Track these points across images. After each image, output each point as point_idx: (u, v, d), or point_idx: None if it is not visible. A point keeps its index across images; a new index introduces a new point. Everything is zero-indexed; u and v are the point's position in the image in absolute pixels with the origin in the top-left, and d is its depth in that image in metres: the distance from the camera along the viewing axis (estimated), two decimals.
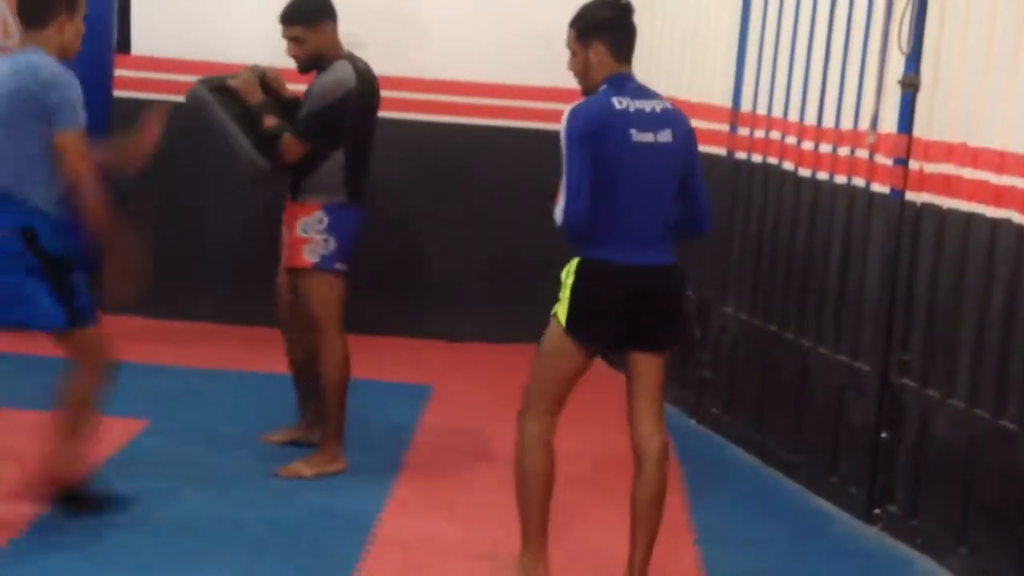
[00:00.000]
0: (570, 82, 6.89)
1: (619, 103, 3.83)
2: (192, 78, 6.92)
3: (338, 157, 4.86)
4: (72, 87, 4.08)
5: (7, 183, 4.09)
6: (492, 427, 5.74)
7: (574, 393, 6.50)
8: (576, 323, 3.89)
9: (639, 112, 3.82)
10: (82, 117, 4.09)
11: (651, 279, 3.86)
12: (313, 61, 4.90)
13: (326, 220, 4.86)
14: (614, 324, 3.88)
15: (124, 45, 6.81)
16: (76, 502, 4.29)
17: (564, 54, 7.44)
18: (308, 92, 4.88)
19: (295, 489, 4.78)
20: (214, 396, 5.89)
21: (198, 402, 5.78)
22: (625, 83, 3.89)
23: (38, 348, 4.56)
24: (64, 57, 4.17)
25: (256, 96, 4.92)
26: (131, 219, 4.29)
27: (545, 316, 7.09)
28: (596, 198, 3.78)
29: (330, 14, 4.92)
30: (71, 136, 4.06)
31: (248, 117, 4.90)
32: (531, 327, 7.11)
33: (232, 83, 4.95)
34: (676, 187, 3.89)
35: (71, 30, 4.17)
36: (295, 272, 4.93)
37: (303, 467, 4.87)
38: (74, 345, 4.23)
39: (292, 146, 4.81)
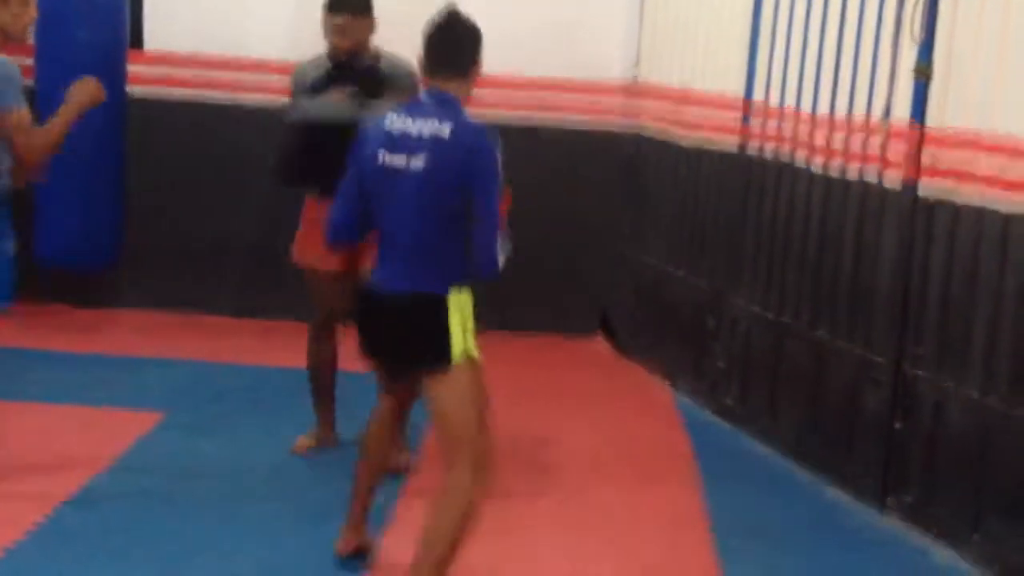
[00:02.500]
0: (579, 75, 7.00)
1: (393, 121, 3.70)
2: (207, 73, 7.02)
3: None
4: (7, 67, 4.04)
5: None
6: (503, 419, 5.71)
7: (589, 382, 6.54)
8: (360, 342, 3.85)
9: (404, 134, 3.65)
10: (20, 96, 4.05)
11: (390, 304, 3.71)
12: (351, 53, 4.86)
13: None
14: (371, 342, 3.80)
15: (137, 40, 6.82)
16: None
17: (570, 47, 7.46)
18: (391, 81, 4.79)
19: (312, 481, 4.80)
20: (231, 389, 5.91)
21: (215, 395, 5.81)
22: (422, 99, 3.74)
23: None
24: (12, 42, 4.14)
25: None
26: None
27: (558, 307, 7.16)
28: (376, 223, 3.75)
29: (372, 8, 4.91)
30: (14, 116, 4.03)
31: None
32: (544, 318, 7.19)
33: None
34: (440, 216, 3.64)
35: (9, 15, 4.11)
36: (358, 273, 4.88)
37: None
38: None
39: None
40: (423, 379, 3.73)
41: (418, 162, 3.63)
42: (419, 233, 3.67)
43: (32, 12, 4.20)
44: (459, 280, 3.70)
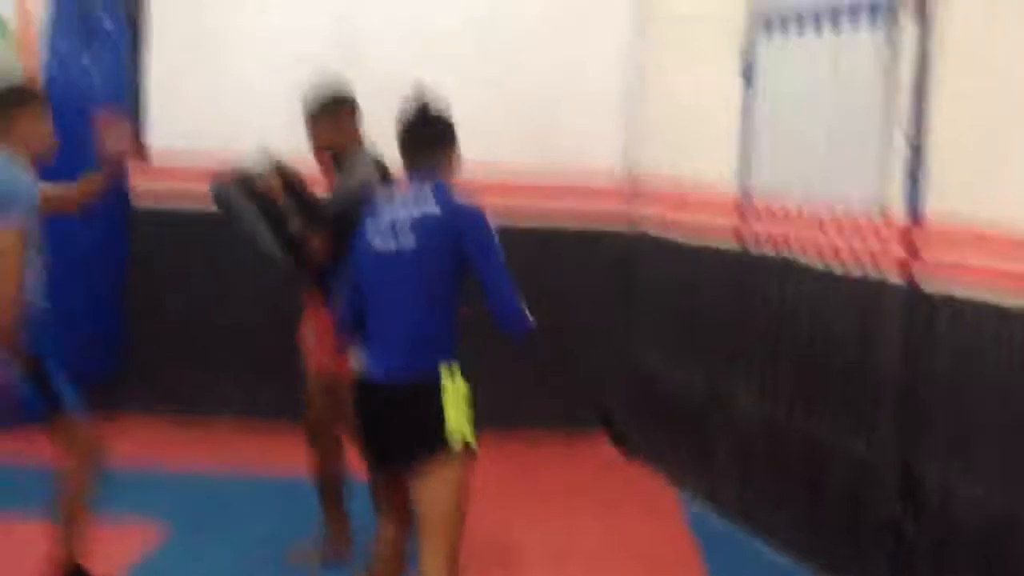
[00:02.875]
0: (573, 180, 7.05)
1: (380, 211, 3.77)
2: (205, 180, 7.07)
3: None
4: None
5: None
6: (502, 517, 5.72)
7: (590, 481, 6.51)
8: (361, 440, 3.83)
9: (394, 220, 3.71)
10: (10, 211, 4.04)
11: (383, 393, 3.70)
12: (333, 153, 4.97)
13: None
14: (368, 437, 3.77)
15: (143, 154, 6.89)
16: None
17: (561, 151, 7.44)
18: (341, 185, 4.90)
19: None
20: (237, 498, 5.88)
21: (221, 505, 5.77)
22: (409, 186, 3.79)
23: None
24: (35, 156, 4.21)
25: (280, 197, 4.90)
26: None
27: (552, 406, 7.16)
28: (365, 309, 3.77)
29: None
30: None
31: (274, 215, 4.88)
32: (544, 416, 7.18)
33: (259, 185, 4.90)
34: (434, 293, 3.68)
35: (24, 129, 4.20)
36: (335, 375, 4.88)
37: None
38: (58, 435, 4.20)
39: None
40: (417, 467, 3.65)
41: (409, 242, 3.66)
42: (412, 316, 3.66)
43: (47, 128, 4.28)
44: (452, 358, 3.69)
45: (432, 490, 3.64)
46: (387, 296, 3.70)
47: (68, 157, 6.31)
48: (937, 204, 4.64)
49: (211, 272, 7.06)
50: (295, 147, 6.83)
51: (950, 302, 4.59)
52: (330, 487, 5.06)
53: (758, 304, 5.76)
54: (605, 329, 7.12)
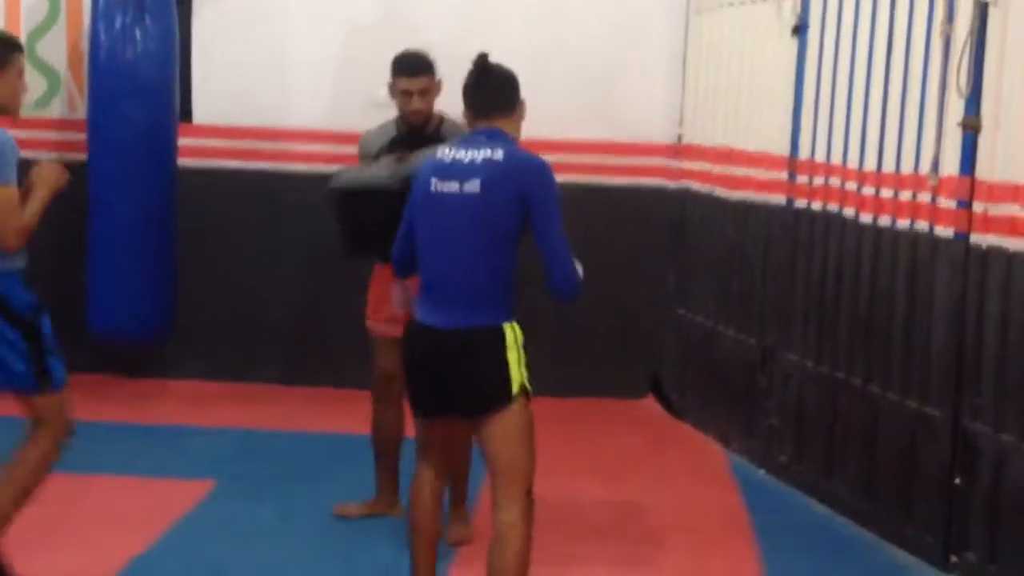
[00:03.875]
0: (624, 136, 7.01)
1: (443, 153, 3.74)
2: (254, 144, 7.10)
3: None
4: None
5: None
6: (557, 483, 5.70)
7: (641, 444, 6.48)
8: (410, 389, 3.79)
9: (455, 162, 3.66)
10: (8, 173, 3.95)
11: (443, 342, 3.64)
12: (428, 116, 4.81)
13: None
14: (422, 387, 3.72)
15: (186, 114, 6.93)
16: None
17: (614, 109, 7.48)
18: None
19: (362, 546, 4.77)
20: (281, 456, 5.91)
21: (265, 463, 5.81)
22: (473, 136, 3.77)
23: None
24: (5, 114, 4.10)
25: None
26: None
27: (608, 369, 7.12)
28: (419, 252, 3.75)
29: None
30: (1, 193, 3.92)
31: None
32: (594, 381, 7.15)
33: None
34: (494, 241, 3.62)
35: (3, 87, 4.06)
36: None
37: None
38: (37, 408, 4.09)
39: None
40: (480, 419, 3.64)
41: (472, 186, 3.62)
42: (473, 261, 3.62)
43: (24, 83, 4.15)
44: (511, 312, 3.67)
45: (501, 440, 3.64)
46: (447, 239, 3.66)
47: (113, 124, 6.41)
48: (990, 158, 4.55)
49: (257, 233, 7.08)
50: (338, 115, 6.90)
51: (1003, 256, 4.50)
52: (386, 444, 5.03)
53: (810, 261, 5.68)
54: (655, 290, 7.06)
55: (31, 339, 4.03)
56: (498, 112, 3.79)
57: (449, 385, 3.66)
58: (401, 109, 4.83)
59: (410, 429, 5.03)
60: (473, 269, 3.63)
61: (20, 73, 4.12)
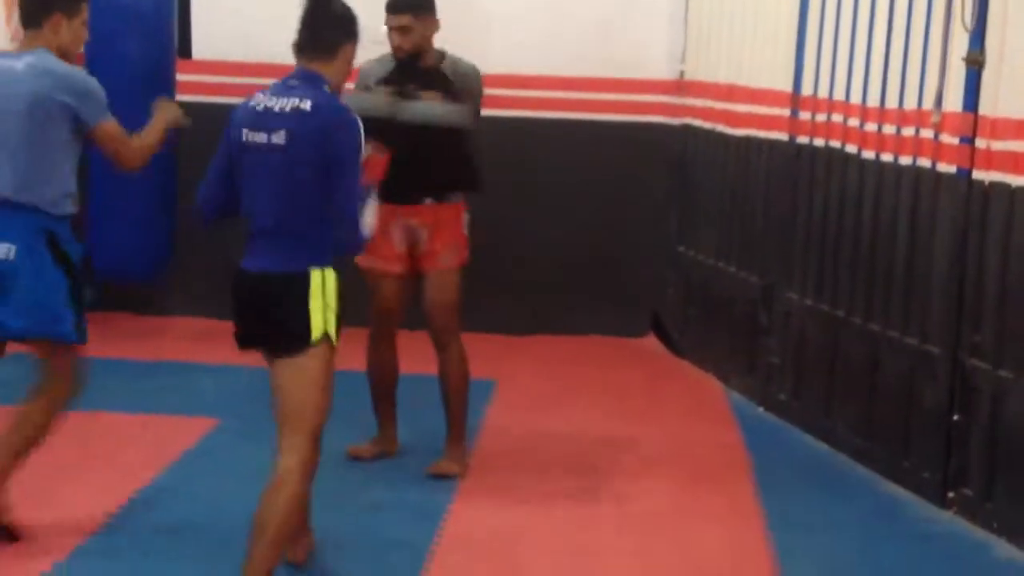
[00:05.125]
0: (626, 73, 6.97)
1: (258, 100, 3.69)
2: (254, 80, 7.03)
3: (467, 153, 4.89)
4: (91, 80, 4.08)
5: (28, 191, 4.01)
6: (557, 420, 5.74)
7: (641, 381, 6.51)
8: (234, 328, 3.79)
9: (267, 111, 3.63)
10: (107, 107, 4.09)
11: (255, 285, 3.67)
12: (414, 54, 4.84)
13: (467, 218, 4.96)
14: (239, 326, 3.75)
15: (185, 50, 6.87)
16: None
17: (617, 46, 7.40)
18: (454, 83, 4.80)
19: (363, 484, 4.81)
20: None
21: (267, 400, 5.82)
22: (288, 79, 3.72)
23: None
24: (63, 59, 4.11)
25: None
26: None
27: (609, 306, 7.14)
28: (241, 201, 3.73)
29: (434, 8, 4.90)
30: (108, 127, 4.08)
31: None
32: (595, 319, 7.17)
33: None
34: (301, 191, 3.60)
35: (68, 33, 4.11)
36: (445, 272, 4.88)
37: (452, 466, 4.89)
38: (60, 360, 4.12)
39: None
40: (275, 360, 3.65)
41: (278, 138, 3.59)
42: (281, 209, 3.62)
43: (87, 32, 4.23)
44: (324, 259, 3.64)
45: (289, 384, 3.64)
46: (257, 187, 3.66)
47: (112, 61, 6.36)
48: (993, 94, 4.52)
49: None
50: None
51: (1005, 192, 4.48)
52: (382, 383, 5.08)
53: (811, 198, 5.66)
54: (657, 228, 7.05)
55: (77, 288, 4.07)
56: (318, 55, 3.72)
57: (257, 324, 3.69)
58: (390, 44, 4.88)
59: (406, 367, 5.08)
60: (282, 216, 3.63)
61: (85, 23, 4.18)
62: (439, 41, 4.94)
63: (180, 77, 6.67)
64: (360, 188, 3.66)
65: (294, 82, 3.70)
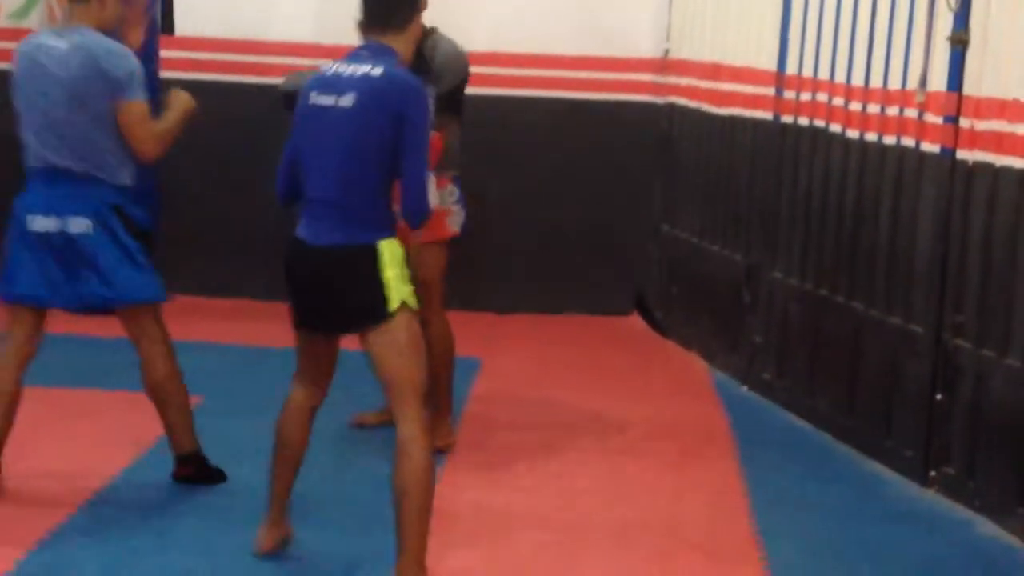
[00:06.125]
0: (610, 51, 6.96)
1: (329, 67, 3.72)
2: (235, 57, 7.02)
3: (456, 128, 4.87)
4: (134, 61, 4.18)
5: (87, 165, 4.16)
6: (542, 398, 5.75)
7: (625, 361, 6.53)
8: (289, 299, 3.79)
9: (336, 76, 3.64)
10: (143, 88, 4.19)
11: (319, 259, 3.65)
12: None
13: (456, 191, 4.94)
14: (301, 301, 3.74)
15: (168, 26, 6.84)
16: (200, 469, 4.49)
17: (602, 24, 7.37)
18: (438, 64, 4.75)
19: (349, 459, 4.81)
20: (266, 372, 5.92)
21: (251, 378, 5.83)
22: (360, 50, 3.73)
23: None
24: (106, 35, 4.21)
25: None
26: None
27: (592, 286, 7.15)
28: (299, 167, 3.72)
29: None
30: (137, 107, 4.15)
31: None
32: (579, 298, 7.18)
33: None
34: (368, 158, 3.58)
35: (113, 8, 4.22)
36: (426, 246, 4.82)
37: (438, 441, 4.84)
38: (146, 320, 4.36)
39: (451, 124, 4.81)
40: (360, 334, 3.65)
41: (347, 100, 3.58)
42: (346, 176, 3.60)
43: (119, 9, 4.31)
44: (389, 230, 3.65)
45: (384, 355, 3.64)
46: (323, 154, 3.63)
47: None
48: (977, 73, 4.53)
49: (244, 147, 7.03)
50: (322, 28, 6.80)
51: (988, 172, 4.49)
52: None
53: (796, 177, 5.67)
54: (641, 207, 7.05)
55: (147, 251, 4.28)
56: (390, 27, 3.72)
57: (326, 300, 3.67)
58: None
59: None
60: (348, 186, 3.61)
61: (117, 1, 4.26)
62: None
63: (163, 53, 6.64)
64: (428, 156, 3.65)
65: (365, 52, 3.71)
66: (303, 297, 3.74)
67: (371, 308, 3.61)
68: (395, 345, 3.63)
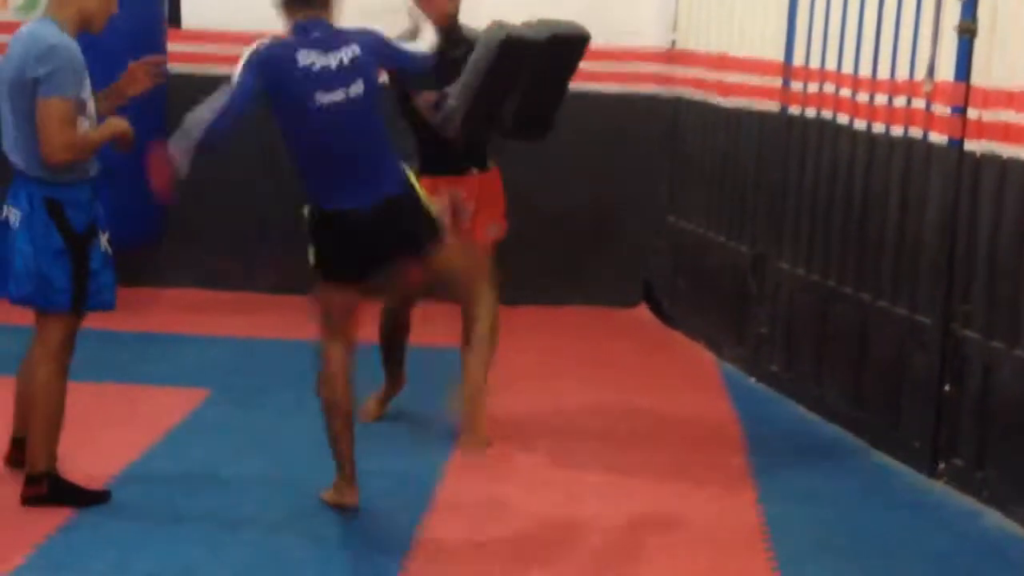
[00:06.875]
0: (615, 41, 6.93)
1: (305, 58, 3.98)
2: (244, 49, 7.00)
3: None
4: (64, 57, 3.94)
5: (25, 163, 4.02)
6: (549, 389, 5.75)
7: (632, 352, 6.52)
8: (325, 264, 4.16)
9: (325, 69, 3.98)
10: (69, 87, 3.95)
11: (380, 213, 4.07)
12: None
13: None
14: (359, 256, 4.14)
15: (175, 19, 6.84)
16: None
17: (606, 14, 7.33)
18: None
19: (356, 454, 4.81)
20: (273, 364, 5.93)
21: (257, 371, 5.83)
22: (312, 38, 4.02)
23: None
24: (86, 30, 4.06)
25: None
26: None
27: (599, 277, 7.13)
28: (307, 156, 4.09)
29: None
30: (50, 105, 3.92)
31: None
32: (586, 289, 7.17)
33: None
34: (377, 125, 4.10)
35: (96, 1, 4.07)
36: (489, 246, 4.90)
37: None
38: (47, 325, 4.12)
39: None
40: (426, 259, 4.14)
41: (357, 88, 4.01)
42: (370, 147, 4.07)
43: (115, 5, 4.17)
44: (402, 167, 4.18)
45: (451, 262, 4.23)
46: (351, 140, 4.04)
47: (102, 37, 6.30)
48: (985, 63, 4.51)
49: (250, 140, 7.01)
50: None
51: (996, 163, 4.48)
52: (399, 347, 5.14)
53: (802, 168, 5.66)
54: (648, 198, 7.04)
55: (80, 258, 4.07)
56: (318, 4, 4.06)
57: (390, 247, 4.12)
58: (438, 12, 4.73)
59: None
60: (374, 153, 4.09)
61: None
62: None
63: (170, 47, 6.63)
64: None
65: (318, 33, 4.02)
66: (363, 251, 4.12)
67: (432, 235, 4.16)
68: (453, 251, 4.25)
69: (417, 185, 4.18)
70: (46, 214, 4.02)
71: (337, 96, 3.98)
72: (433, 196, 4.64)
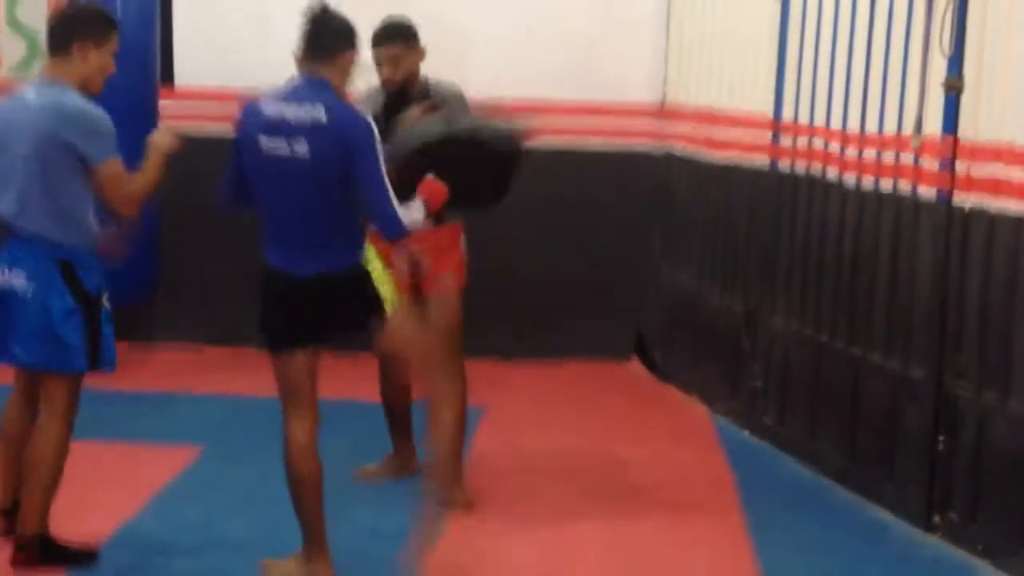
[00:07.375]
0: (605, 96, 6.99)
1: (270, 106, 3.91)
2: (236, 107, 7.04)
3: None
4: (103, 121, 4.03)
5: (40, 227, 4.01)
6: (544, 445, 5.74)
7: (626, 406, 6.52)
8: (263, 323, 4.08)
9: (283, 120, 3.84)
10: (115, 147, 4.05)
11: (309, 286, 3.93)
12: (404, 83, 4.82)
13: (463, 239, 4.99)
14: (285, 323, 4.01)
15: (168, 77, 6.88)
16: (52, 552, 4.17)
17: (597, 71, 7.36)
18: (446, 105, 4.76)
19: (348, 509, 4.79)
20: (266, 421, 5.90)
21: (251, 427, 5.81)
22: (296, 84, 3.95)
23: None
24: (85, 90, 4.08)
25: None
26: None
27: (593, 332, 7.14)
28: (259, 205, 4.00)
29: (419, 36, 4.89)
30: (108, 168, 4.02)
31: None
32: (580, 343, 7.18)
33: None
34: (332, 196, 3.86)
35: (96, 61, 4.08)
36: (448, 298, 4.87)
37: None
38: (56, 388, 4.12)
39: None
40: (374, 338, 4.00)
41: (301, 148, 3.82)
42: (317, 216, 3.86)
43: (113, 64, 4.18)
44: (362, 247, 3.97)
45: (398, 347, 4.10)
46: (285, 196, 3.89)
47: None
48: (972, 118, 4.55)
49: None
50: None
51: (985, 217, 4.50)
52: (406, 407, 5.11)
53: (793, 224, 5.69)
54: (640, 253, 7.07)
55: (92, 318, 4.08)
56: (324, 57, 3.91)
57: (324, 320, 3.97)
58: (380, 77, 4.86)
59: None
60: (317, 224, 3.89)
61: (113, 53, 4.16)
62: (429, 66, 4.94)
63: (163, 105, 6.66)
64: (385, 179, 3.85)
65: (302, 87, 3.90)
66: (286, 318, 3.97)
67: (372, 317, 3.96)
68: (403, 336, 4.07)
69: (373, 263, 4.00)
70: (59, 276, 4.03)
71: (278, 146, 3.82)
72: (392, 253, 4.64)
